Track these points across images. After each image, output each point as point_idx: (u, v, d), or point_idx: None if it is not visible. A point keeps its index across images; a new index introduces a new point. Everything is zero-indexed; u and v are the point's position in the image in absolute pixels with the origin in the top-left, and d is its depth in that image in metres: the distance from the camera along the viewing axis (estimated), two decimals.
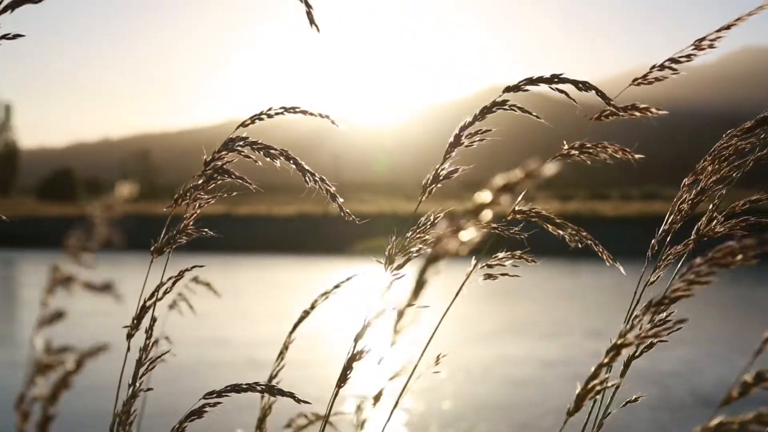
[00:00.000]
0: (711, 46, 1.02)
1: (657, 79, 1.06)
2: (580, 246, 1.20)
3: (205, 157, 1.21)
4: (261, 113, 1.21)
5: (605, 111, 1.09)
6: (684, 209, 1.21)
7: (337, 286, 1.60)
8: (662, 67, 1.08)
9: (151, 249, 1.23)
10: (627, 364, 1.25)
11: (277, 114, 1.18)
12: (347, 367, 1.14)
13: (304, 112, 1.21)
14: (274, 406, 1.71)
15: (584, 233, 1.20)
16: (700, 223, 1.20)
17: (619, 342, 1.16)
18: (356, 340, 1.17)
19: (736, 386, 0.95)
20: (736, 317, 15.35)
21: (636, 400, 1.30)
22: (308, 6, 1.09)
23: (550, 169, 0.69)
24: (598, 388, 1.18)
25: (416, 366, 0.94)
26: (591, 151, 1.13)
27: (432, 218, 1.24)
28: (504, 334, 12.87)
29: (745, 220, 1.17)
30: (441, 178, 1.18)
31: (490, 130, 1.08)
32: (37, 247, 37.57)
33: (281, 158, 1.20)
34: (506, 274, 1.17)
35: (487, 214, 0.71)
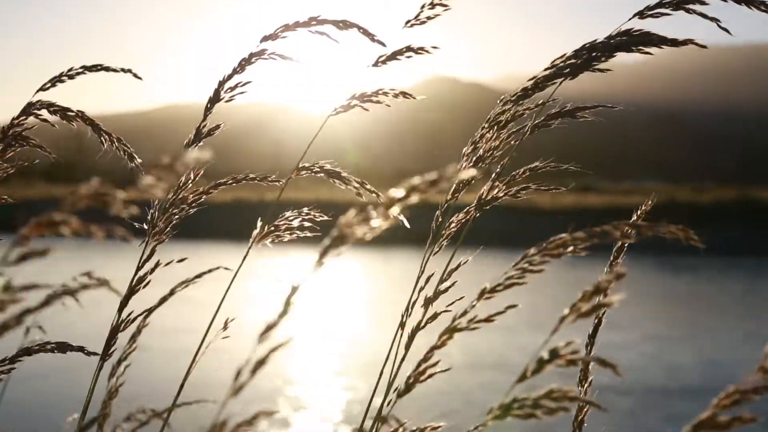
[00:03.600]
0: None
1: (429, 18, 1.12)
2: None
3: (3, 125, 1.21)
4: (62, 74, 1.21)
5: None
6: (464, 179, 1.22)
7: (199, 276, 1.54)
8: (432, 5, 1.13)
9: None
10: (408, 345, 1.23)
11: (78, 74, 1.18)
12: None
13: (106, 69, 1.21)
14: None
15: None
16: (481, 192, 1.21)
17: (451, 326, 1.17)
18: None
19: (532, 363, 0.94)
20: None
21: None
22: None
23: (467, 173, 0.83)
24: (429, 371, 1.19)
25: None
26: (372, 98, 1.18)
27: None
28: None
29: (526, 187, 1.21)
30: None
31: (250, 82, 1.10)
32: None
33: (78, 120, 1.19)
34: None
35: (395, 209, 0.76)
